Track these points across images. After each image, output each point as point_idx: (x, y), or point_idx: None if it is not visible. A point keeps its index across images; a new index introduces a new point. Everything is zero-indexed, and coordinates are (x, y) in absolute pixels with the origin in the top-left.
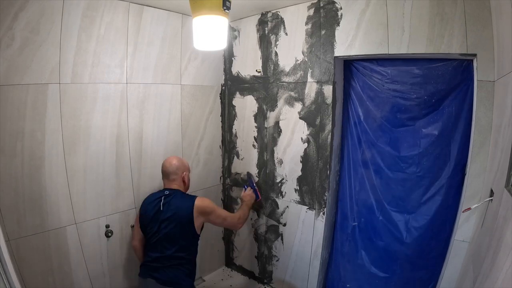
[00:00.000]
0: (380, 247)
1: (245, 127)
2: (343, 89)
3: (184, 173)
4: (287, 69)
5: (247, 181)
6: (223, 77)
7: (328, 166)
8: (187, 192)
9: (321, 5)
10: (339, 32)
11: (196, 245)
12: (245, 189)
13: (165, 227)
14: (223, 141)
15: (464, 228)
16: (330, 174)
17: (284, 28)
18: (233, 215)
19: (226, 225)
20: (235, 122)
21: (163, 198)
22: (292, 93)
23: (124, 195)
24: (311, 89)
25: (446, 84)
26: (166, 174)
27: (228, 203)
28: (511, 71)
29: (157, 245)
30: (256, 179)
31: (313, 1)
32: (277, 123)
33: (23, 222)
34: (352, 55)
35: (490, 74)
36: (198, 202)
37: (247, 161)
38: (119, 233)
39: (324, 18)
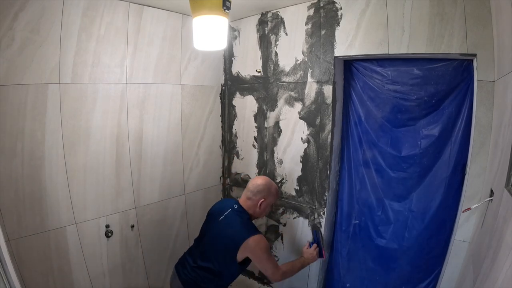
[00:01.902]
0: (381, 247)
1: (245, 127)
2: (343, 89)
3: (263, 199)
4: (287, 69)
5: (314, 236)
6: (223, 77)
7: (328, 166)
8: (255, 218)
9: (321, 5)
10: (339, 32)
11: (232, 272)
12: (311, 245)
13: (209, 240)
14: (223, 141)
15: (464, 228)
16: (330, 174)
17: (284, 28)
18: (278, 271)
19: (266, 275)
20: (235, 122)
21: (229, 211)
22: (292, 93)
23: (124, 195)
24: (311, 89)
25: (446, 85)
26: (246, 189)
27: None
28: (511, 71)
29: (198, 247)
30: (323, 234)
31: (313, 1)
32: (277, 123)
33: (23, 222)
34: (352, 55)
35: (490, 74)
36: (251, 242)
37: (247, 161)
38: (119, 233)
39: (324, 18)
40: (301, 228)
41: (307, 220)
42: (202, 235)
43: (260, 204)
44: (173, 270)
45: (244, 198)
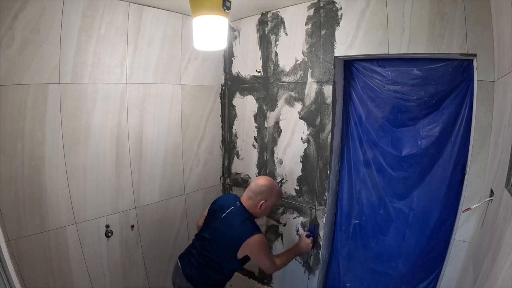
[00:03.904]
0: (381, 246)
1: (245, 127)
2: (343, 89)
3: (264, 201)
4: (287, 69)
5: (312, 228)
6: (223, 77)
7: (328, 166)
8: (257, 217)
9: (321, 5)
10: (339, 32)
11: (232, 268)
12: (308, 236)
13: (212, 237)
14: (223, 141)
15: (464, 228)
16: (330, 174)
17: (284, 28)
18: (274, 266)
19: (262, 269)
20: (235, 122)
21: (231, 209)
22: (292, 93)
23: (124, 195)
24: (311, 89)
25: (446, 85)
26: (248, 188)
27: None
28: (511, 71)
29: (201, 242)
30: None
31: (313, 1)
32: (277, 123)
33: (23, 222)
34: (352, 55)
35: (490, 74)
36: (251, 242)
37: (247, 161)
38: (119, 233)
39: (324, 18)
40: (301, 228)
41: (306, 219)
42: (204, 231)
43: (261, 205)
44: (177, 263)
45: (245, 198)
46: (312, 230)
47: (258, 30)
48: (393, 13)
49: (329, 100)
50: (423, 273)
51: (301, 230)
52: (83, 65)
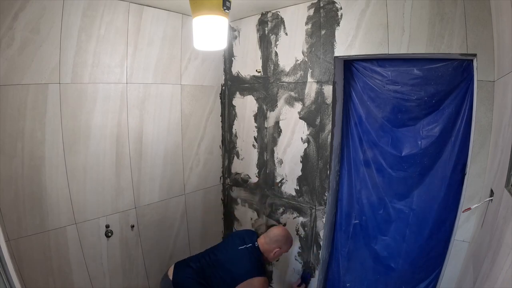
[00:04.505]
0: (381, 246)
1: (245, 127)
2: (343, 89)
3: (278, 249)
4: (287, 69)
5: (305, 275)
6: (223, 77)
7: (328, 166)
8: (267, 261)
9: (321, 5)
10: (339, 32)
11: None
12: (300, 284)
13: (222, 260)
14: (223, 141)
15: (464, 228)
16: (330, 174)
17: (284, 28)
18: None
19: None
20: (235, 122)
21: (249, 245)
22: (292, 93)
23: (124, 195)
24: (311, 89)
25: (446, 85)
26: (267, 234)
27: (228, 203)
28: (511, 71)
29: (208, 260)
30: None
31: (313, 1)
32: (277, 123)
33: (23, 222)
34: (352, 55)
35: (490, 74)
36: (257, 280)
37: (247, 161)
38: (119, 233)
39: (324, 18)
40: (301, 228)
41: (305, 219)
42: (217, 251)
43: (275, 252)
44: (172, 268)
45: (262, 241)
46: (305, 277)
47: (258, 30)
48: (393, 13)
49: (329, 100)
50: (423, 273)
51: (301, 230)
52: (83, 65)
